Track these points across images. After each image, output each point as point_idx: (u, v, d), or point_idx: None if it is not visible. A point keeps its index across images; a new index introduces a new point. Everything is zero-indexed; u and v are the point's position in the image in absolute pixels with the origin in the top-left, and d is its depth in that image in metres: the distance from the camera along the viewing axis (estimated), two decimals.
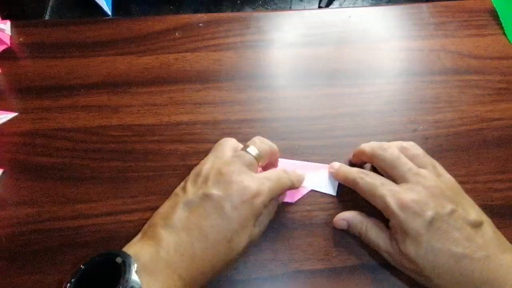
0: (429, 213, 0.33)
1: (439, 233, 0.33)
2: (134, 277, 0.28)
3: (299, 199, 0.42)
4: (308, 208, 0.42)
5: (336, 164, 0.42)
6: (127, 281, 0.27)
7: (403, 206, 0.34)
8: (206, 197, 0.33)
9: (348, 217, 0.40)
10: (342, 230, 0.40)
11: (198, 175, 0.36)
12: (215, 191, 0.33)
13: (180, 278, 0.30)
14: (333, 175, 0.42)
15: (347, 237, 0.40)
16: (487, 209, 0.37)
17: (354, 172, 0.39)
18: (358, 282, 0.38)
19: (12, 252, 0.39)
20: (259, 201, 0.34)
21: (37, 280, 0.38)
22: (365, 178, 0.38)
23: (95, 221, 0.41)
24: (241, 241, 0.33)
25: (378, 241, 0.37)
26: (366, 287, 0.38)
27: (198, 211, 0.33)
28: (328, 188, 0.43)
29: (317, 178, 0.43)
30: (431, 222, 0.33)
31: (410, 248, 0.34)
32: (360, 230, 0.38)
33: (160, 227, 0.32)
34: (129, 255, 0.29)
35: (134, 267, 0.29)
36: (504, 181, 0.44)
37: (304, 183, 0.42)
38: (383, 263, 0.39)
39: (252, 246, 0.36)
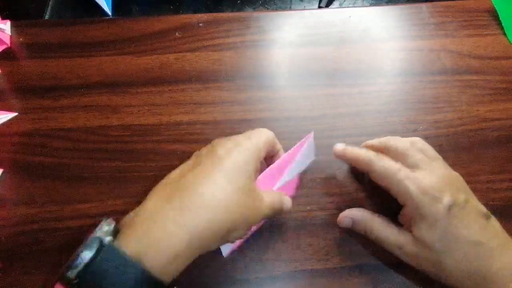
0: (447, 199, 0.34)
1: (456, 220, 0.33)
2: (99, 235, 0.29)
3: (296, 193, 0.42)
4: (308, 208, 0.42)
5: (340, 145, 0.40)
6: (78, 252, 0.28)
7: (423, 191, 0.34)
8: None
9: (354, 214, 0.39)
10: (343, 230, 0.40)
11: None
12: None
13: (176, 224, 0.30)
14: (339, 156, 0.40)
15: (347, 237, 0.40)
16: (487, 208, 0.37)
17: (371, 154, 0.38)
18: (358, 282, 0.38)
19: (12, 252, 0.39)
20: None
21: (37, 280, 0.38)
22: (382, 161, 0.37)
23: (95, 221, 0.41)
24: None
25: (386, 235, 0.37)
26: (366, 287, 0.38)
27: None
28: (307, 159, 0.42)
29: (297, 162, 0.40)
30: (449, 208, 0.33)
31: (427, 233, 0.34)
32: (366, 227, 0.38)
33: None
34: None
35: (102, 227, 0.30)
36: (504, 181, 0.44)
37: (288, 176, 0.39)
38: (383, 263, 0.39)
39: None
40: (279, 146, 0.39)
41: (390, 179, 0.36)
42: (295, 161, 0.39)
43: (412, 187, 0.34)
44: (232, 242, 0.34)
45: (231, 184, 0.31)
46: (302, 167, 0.42)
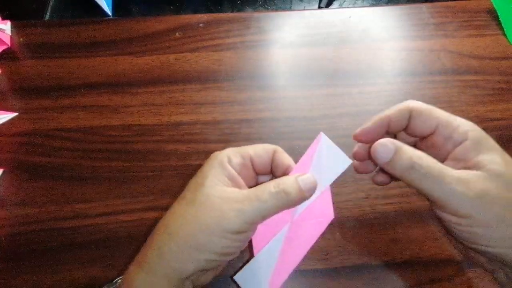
0: None
1: None
2: None
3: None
4: None
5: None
6: None
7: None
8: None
9: (395, 141, 0.28)
10: (343, 230, 0.40)
11: None
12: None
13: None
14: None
15: (347, 237, 0.40)
16: None
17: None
18: (358, 282, 0.38)
19: (12, 252, 0.39)
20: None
21: (37, 280, 0.38)
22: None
23: (95, 221, 0.41)
24: None
25: (442, 167, 0.27)
26: (366, 287, 0.38)
27: None
28: (334, 165, 0.32)
29: (321, 168, 0.32)
30: None
31: (493, 158, 0.27)
32: (413, 156, 0.27)
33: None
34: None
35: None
36: None
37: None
38: (383, 263, 0.39)
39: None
40: (287, 160, 0.32)
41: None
42: (312, 166, 0.32)
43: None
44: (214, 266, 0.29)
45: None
46: (332, 175, 0.32)
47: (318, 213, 0.32)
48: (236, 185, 0.30)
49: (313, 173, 0.30)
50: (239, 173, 0.31)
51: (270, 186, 0.28)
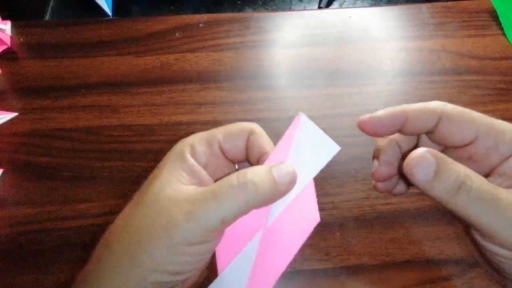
0: None
1: None
2: None
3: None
4: None
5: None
6: None
7: None
8: None
9: (437, 153, 0.22)
10: (343, 230, 0.40)
11: None
12: None
13: None
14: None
15: (347, 237, 0.40)
16: None
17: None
18: (358, 282, 0.38)
19: (12, 252, 0.39)
20: None
21: (37, 280, 0.38)
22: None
23: (95, 221, 0.41)
24: None
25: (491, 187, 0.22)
26: (366, 287, 0.38)
27: None
28: (325, 154, 0.26)
29: (302, 157, 0.25)
30: None
31: None
32: (459, 175, 0.21)
33: None
34: None
35: None
36: None
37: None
38: (383, 263, 0.39)
39: None
40: (265, 144, 0.25)
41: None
42: (290, 155, 0.25)
43: None
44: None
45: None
46: (316, 165, 0.25)
47: (300, 216, 0.25)
48: (199, 181, 0.24)
49: (292, 162, 0.24)
50: (205, 165, 0.24)
51: (233, 178, 0.21)
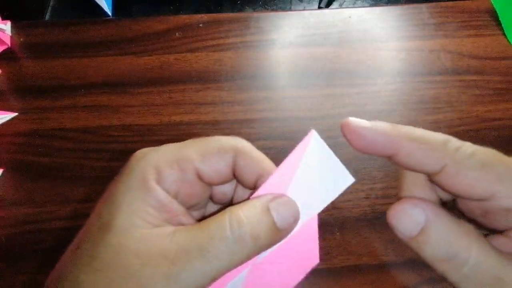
0: None
1: None
2: None
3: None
4: None
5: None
6: None
7: None
8: None
9: (429, 209, 0.18)
10: (343, 230, 0.40)
11: None
12: None
13: None
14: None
15: (347, 237, 0.40)
16: None
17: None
18: (358, 282, 0.38)
19: (12, 252, 0.39)
20: None
21: (36, 280, 0.38)
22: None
23: None
24: None
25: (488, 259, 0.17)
26: (366, 287, 0.38)
27: None
28: (336, 184, 0.22)
29: (308, 184, 0.21)
30: None
31: None
32: (456, 245, 0.17)
33: None
34: None
35: None
36: None
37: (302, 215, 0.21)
38: (383, 263, 0.39)
39: None
40: (258, 166, 0.21)
41: None
42: (295, 180, 0.21)
43: None
44: None
45: None
46: (323, 198, 0.22)
47: (296, 255, 0.21)
48: (169, 216, 0.18)
49: (295, 191, 0.20)
50: (175, 194, 0.19)
51: (224, 227, 0.17)
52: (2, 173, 0.43)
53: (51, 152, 0.45)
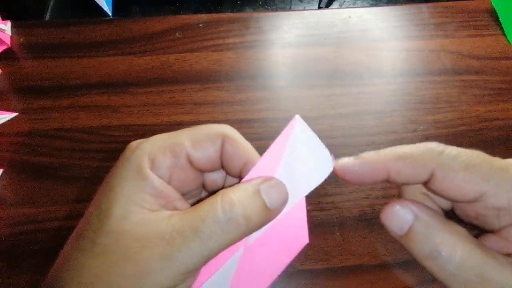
0: None
1: None
2: None
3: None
4: (308, 208, 0.42)
5: (347, 161, 0.21)
6: None
7: None
8: None
9: (418, 209, 0.19)
10: (343, 230, 0.40)
11: None
12: None
13: None
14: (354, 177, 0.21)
15: (347, 237, 0.40)
16: None
17: None
18: (358, 282, 0.38)
19: (12, 252, 0.39)
20: None
21: (36, 280, 0.38)
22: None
23: None
24: None
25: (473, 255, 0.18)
26: (366, 287, 0.38)
27: None
28: (321, 168, 0.22)
29: (295, 169, 0.22)
30: None
31: None
32: (443, 240, 0.18)
33: None
34: None
35: None
36: None
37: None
38: (383, 263, 0.39)
39: None
40: (244, 152, 0.21)
41: None
42: (282, 164, 0.22)
43: None
44: None
45: None
46: (310, 182, 0.23)
47: (286, 236, 0.22)
48: (165, 201, 0.19)
49: (283, 175, 0.21)
50: (169, 180, 0.20)
51: (217, 210, 0.18)
52: (2, 173, 0.43)
53: (51, 152, 0.45)
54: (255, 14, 0.56)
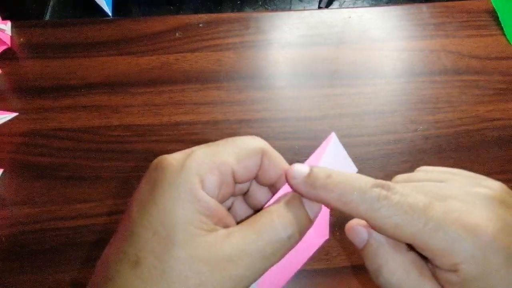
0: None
1: None
2: None
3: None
4: None
5: (300, 168, 0.22)
6: None
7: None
8: None
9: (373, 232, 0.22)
10: (343, 230, 0.40)
11: None
12: None
13: None
14: (300, 188, 0.22)
15: (347, 237, 0.40)
16: None
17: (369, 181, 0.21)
18: (358, 282, 0.38)
19: (12, 252, 0.39)
20: None
21: (37, 280, 0.38)
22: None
23: (95, 221, 0.41)
24: None
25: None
26: (366, 287, 0.38)
27: None
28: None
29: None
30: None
31: None
32: (383, 259, 0.21)
33: None
34: None
35: None
36: (504, 181, 0.44)
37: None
38: None
39: None
40: (280, 163, 0.23)
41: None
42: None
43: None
44: None
45: None
46: None
47: (312, 232, 0.23)
48: (216, 220, 0.20)
49: None
50: (217, 197, 0.21)
51: (277, 229, 0.20)
52: (2, 173, 0.43)
53: (51, 152, 0.45)
54: (255, 14, 0.56)
